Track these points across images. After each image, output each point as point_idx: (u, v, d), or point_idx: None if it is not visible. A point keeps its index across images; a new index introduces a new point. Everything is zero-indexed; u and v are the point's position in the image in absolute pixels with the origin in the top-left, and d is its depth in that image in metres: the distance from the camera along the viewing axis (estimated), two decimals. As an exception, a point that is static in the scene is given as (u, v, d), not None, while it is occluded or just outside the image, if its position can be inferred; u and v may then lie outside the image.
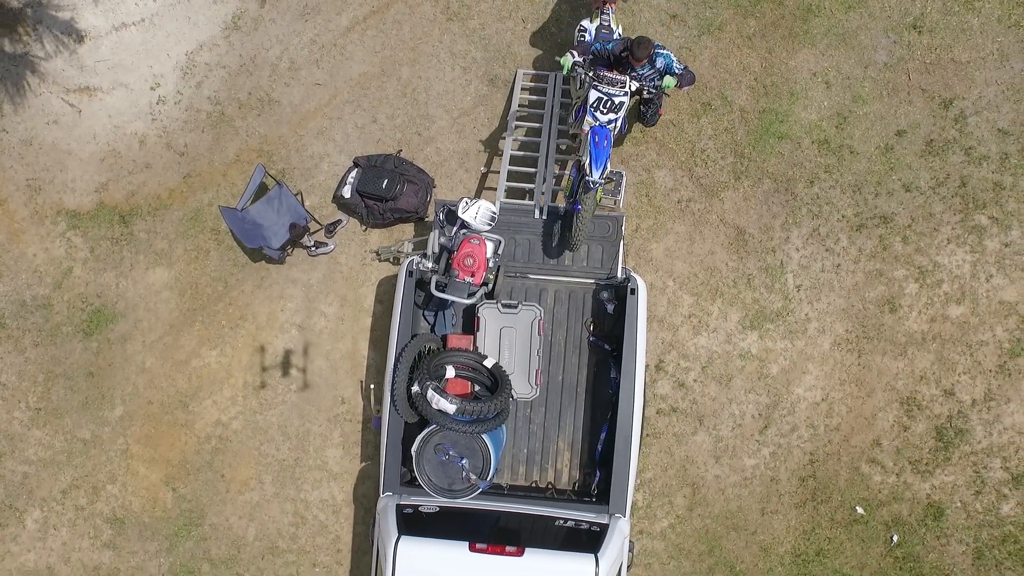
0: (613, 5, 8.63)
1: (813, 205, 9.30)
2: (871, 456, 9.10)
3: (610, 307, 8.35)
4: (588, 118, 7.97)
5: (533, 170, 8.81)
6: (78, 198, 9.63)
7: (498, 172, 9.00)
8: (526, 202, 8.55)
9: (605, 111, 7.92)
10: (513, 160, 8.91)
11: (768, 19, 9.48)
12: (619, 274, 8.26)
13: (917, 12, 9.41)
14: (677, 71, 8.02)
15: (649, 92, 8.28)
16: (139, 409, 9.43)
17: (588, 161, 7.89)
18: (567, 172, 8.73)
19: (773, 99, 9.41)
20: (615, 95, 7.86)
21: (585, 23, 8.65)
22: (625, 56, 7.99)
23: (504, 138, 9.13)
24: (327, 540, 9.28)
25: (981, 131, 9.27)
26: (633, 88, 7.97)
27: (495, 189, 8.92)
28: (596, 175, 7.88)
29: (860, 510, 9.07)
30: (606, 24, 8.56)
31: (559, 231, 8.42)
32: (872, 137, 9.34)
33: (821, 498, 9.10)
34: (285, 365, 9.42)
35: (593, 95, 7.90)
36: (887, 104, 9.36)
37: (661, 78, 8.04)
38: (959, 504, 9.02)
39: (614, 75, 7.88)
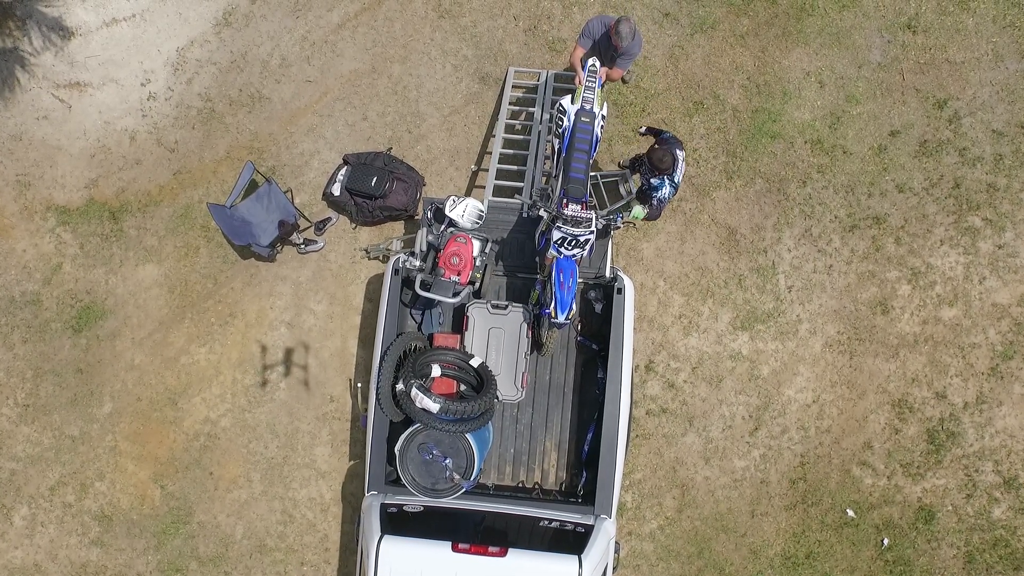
0: (600, 76, 7.92)
1: (805, 205, 9.24)
2: (862, 459, 9.03)
3: (598, 306, 8.29)
4: (552, 251, 7.49)
5: (523, 168, 8.74)
6: (68, 194, 9.61)
7: (488, 170, 8.95)
8: (514, 200, 8.49)
9: (570, 248, 7.41)
10: (503, 159, 8.85)
11: (762, 18, 9.42)
12: (607, 273, 8.20)
13: (911, 12, 9.34)
14: (654, 200, 7.45)
15: (616, 226, 7.72)
16: (128, 406, 9.40)
17: (554, 304, 7.45)
18: (535, 285, 8.19)
19: (766, 98, 9.34)
20: (579, 235, 7.34)
21: (565, 103, 7.96)
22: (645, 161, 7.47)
23: (494, 136, 9.07)
24: (315, 539, 9.24)
25: (975, 132, 9.20)
26: (600, 225, 7.49)
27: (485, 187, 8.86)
28: (561, 318, 7.50)
29: (851, 513, 9.01)
30: (587, 108, 7.84)
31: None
32: (865, 137, 9.28)
33: (811, 500, 9.04)
34: (274, 363, 9.39)
35: (556, 234, 7.39)
36: (881, 104, 9.29)
37: (629, 208, 7.46)
38: (950, 507, 8.95)
39: (579, 213, 7.32)
